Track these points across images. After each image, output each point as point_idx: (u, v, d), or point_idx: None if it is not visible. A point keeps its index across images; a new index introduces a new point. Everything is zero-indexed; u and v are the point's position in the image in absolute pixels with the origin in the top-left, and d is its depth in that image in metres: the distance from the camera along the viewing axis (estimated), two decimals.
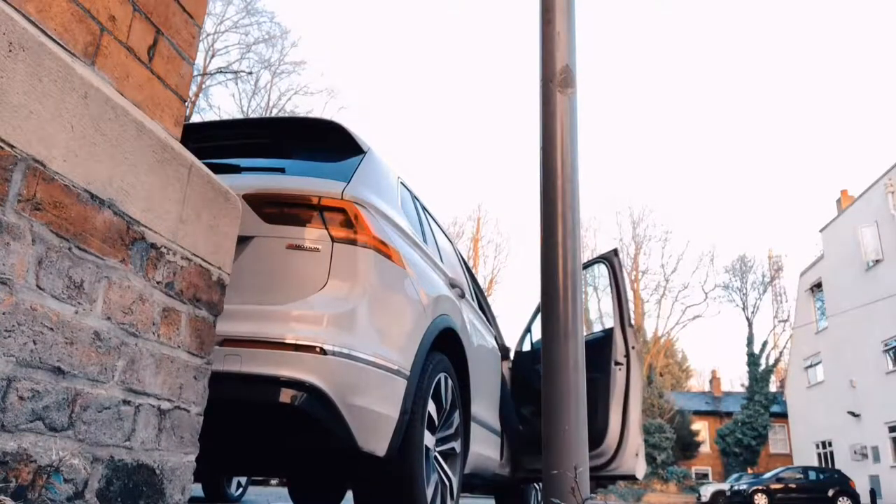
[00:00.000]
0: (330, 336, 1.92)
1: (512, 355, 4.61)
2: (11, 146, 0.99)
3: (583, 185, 2.13)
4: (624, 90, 59.15)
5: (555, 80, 2.12)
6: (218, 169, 1.79)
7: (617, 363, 4.05)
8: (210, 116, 18.29)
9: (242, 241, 1.95)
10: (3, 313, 0.97)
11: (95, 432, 1.14)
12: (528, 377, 4.33)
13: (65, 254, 1.08)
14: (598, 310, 4.97)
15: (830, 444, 27.10)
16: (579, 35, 2.21)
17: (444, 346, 2.65)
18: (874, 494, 20.19)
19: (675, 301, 41.51)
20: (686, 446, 33.52)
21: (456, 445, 2.76)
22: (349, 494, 4.74)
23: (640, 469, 4.03)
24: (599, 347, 4.14)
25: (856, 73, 59.47)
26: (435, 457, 2.56)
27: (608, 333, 4.20)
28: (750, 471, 31.26)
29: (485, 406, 3.36)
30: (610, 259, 4.29)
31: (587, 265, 4.46)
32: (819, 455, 28.18)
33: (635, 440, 4.00)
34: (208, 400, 1.49)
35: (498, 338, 4.22)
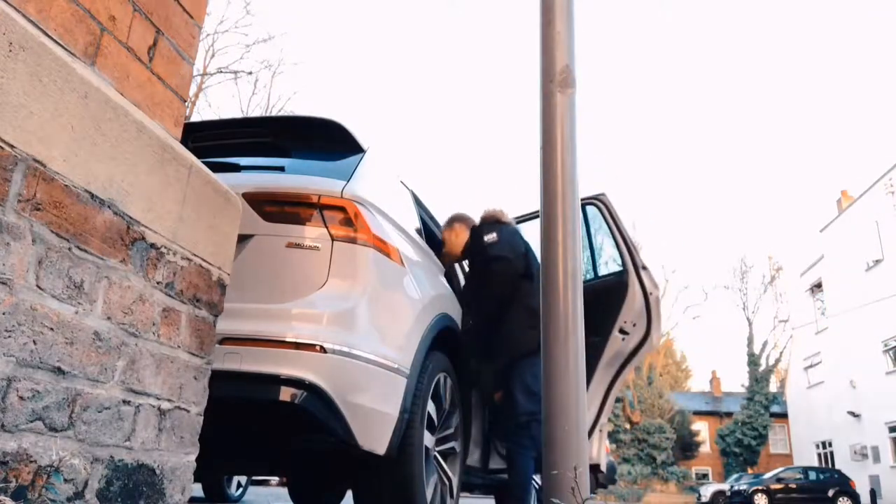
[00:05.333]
0: (330, 334, 1.93)
1: None
2: (11, 146, 0.99)
3: (583, 185, 2.13)
4: (624, 90, 59.17)
5: (555, 80, 2.11)
6: (218, 168, 1.80)
7: (622, 331, 3.38)
8: (210, 116, 18.29)
9: (242, 239, 1.95)
10: (3, 313, 0.97)
11: (95, 432, 1.14)
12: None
13: (65, 254, 1.08)
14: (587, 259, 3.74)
15: (830, 444, 27.10)
16: (579, 35, 2.21)
17: (444, 345, 2.65)
18: (874, 494, 20.19)
19: (676, 301, 41.50)
20: (686, 446, 33.51)
21: (456, 445, 2.76)
22: (349, 494, 4.74)
23: (603, 460, 3.71)
24: (606, 295, 3.40)
25: (855, 74, 59.49)
26: (435, 456, 2.56)
27: (619, 277, 3.42)
28: (750, 471, 31.25)
29: None
30: (601, 199, 3.66)
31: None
32: (819, 455, 28.18)
33: (604, 427, 3.56)
34: (208, 399, 1.49)
35: None
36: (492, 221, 3.36)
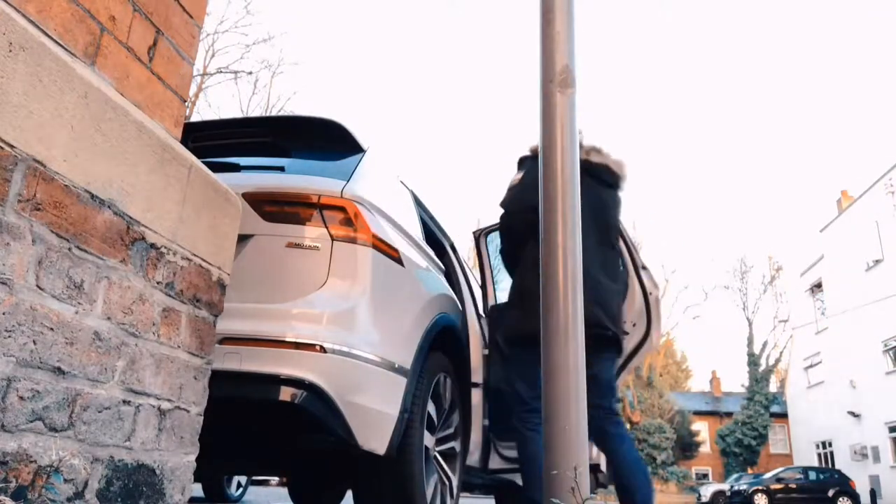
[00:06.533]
0: (330, 334, 1.93)
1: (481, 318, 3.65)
2: (11, 146, 0.99)
3: None
4: (624, 90, 59.18)
5: (555, 80, 2.11)
6: (218, 168, 1.80)
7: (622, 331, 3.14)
8: (210, 116, 18.30)
9: (242, 239, 1.95)
10: (3, 313, 0.97)
11: (95, 432, 1.14)
12: (496, 339, 3.44)
13: (65, 254, 1.08)
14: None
15: (830, 444, 27.10)
16: (579, 35, 2.21)
17: (444, 345, 2.65)
18: (874, 494, 20.19)
19: (676, 301, 41.51)
20: (686, 446, 33.51)
21: (456, 445, 2.76)
22: (349, 494, 4.74)
23: (603, 460, 3.65)
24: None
25: (855, 74, 59.51)
26: (434, 456, 2.56)
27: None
28: (750, 471, 31.25)
29: None
30: None
31: None
32: (819, 455, 28.18)
33: None
34: (208, 398, 1.49)
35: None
36: (534, 154, 2.67)
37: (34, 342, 1.02)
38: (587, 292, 2.46)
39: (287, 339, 1.88)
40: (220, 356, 1.78)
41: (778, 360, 34.45)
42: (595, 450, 3.55)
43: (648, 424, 30.20)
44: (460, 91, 63.38)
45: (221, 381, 1.66)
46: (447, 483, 2.65)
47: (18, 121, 1.00)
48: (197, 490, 5.75)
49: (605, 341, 2.63)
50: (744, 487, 22.46)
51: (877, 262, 22.89)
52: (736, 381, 63.90)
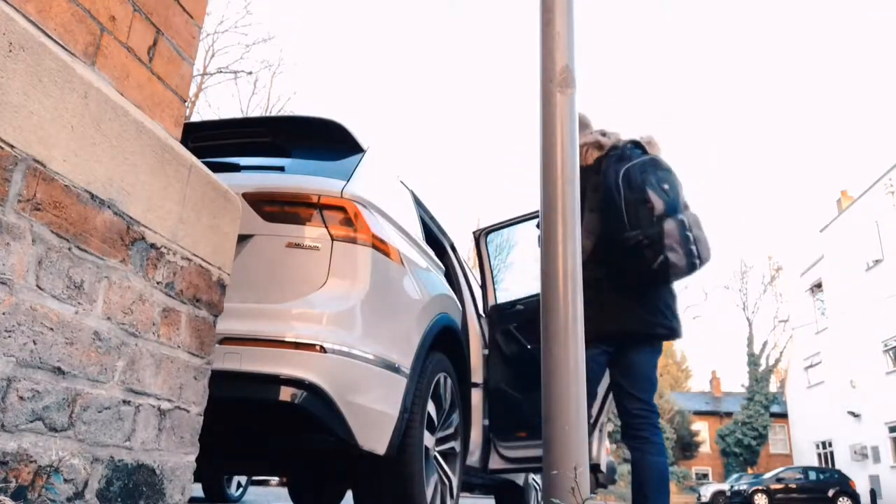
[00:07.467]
0: (330, 334, 1.93)
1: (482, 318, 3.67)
2: (11, 146, 0.99)
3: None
4: (624, 90, 59.17)
5: (555, 81, 2.11)
6: (217, 168, 1.80)
7: None
8: (210, 116, 18.26)
9: (242, 239, 1.95)
10: (3, 313, 0.97)
11: (95, 432, 1.14)
12: (497, 339, 3.55)
13: (65, 254, 1.08)
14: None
15: (830, 444, 27.10)
16: (579, 35, 2.21)
17: (444, 345, 2.65)
18: (874, 494, 20.18)
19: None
20: (686, 446, 33.53)
21: (456, 445, 2.76)
22: (349, 494, 4.74)
23: (603, 460, 3.66)
24: None
25: (855, 73, 59.49)
26: (434, 457, 2.56)
27: None
28: (750, 471, 31.27)
29: None
30: None
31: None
32: (819, 455, 28.18)
33: (604, 427, 3.43)
34: (208, 399, 1.49)
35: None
36: None
37: (34, 342, 1.02)
38: (619, 301, 2.49)
39: (287, 339, 1.88)
40: (220, 356, 1.78)
41: (778, 360, 34.44)
42: (595, 449, 3.55)
43: None
44: (460, 91, 63.40)
45: (221, 381, 1.66)
46: (447, 483, 2.65)
47: (18, 121, 1.00)
48: (197, 490, 5.74)
49: (650, 338, 2.65)
50: (744, 487, 22.48)
51: (877, 262, 22.87)
52: (736, 381, 63.89)
